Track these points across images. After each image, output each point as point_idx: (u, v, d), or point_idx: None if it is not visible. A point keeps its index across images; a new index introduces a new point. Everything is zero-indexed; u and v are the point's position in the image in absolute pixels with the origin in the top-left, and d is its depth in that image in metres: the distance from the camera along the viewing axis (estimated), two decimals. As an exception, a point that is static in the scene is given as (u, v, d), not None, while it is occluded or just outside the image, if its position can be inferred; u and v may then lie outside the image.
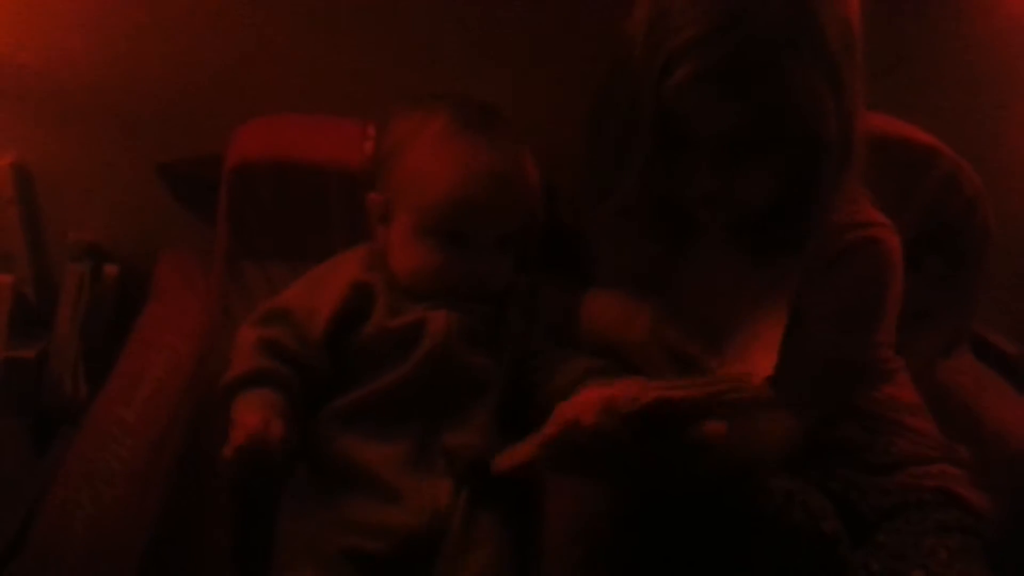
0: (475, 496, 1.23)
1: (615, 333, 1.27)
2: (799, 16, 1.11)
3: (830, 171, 1.17)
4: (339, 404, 1.26)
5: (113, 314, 1.63)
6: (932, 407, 1.39)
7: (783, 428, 1.21)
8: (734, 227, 1.25)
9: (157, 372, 1.32)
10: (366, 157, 1.45)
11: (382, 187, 1.32)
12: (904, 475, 1.30)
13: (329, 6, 1.59)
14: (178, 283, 1.53)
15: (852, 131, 1.17)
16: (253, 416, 1.15)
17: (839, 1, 1.14)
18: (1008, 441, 1.40)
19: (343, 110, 1.56)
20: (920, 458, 1.32)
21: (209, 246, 1.52)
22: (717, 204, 1.20)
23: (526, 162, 1.31)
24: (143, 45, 1.58)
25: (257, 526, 1.29)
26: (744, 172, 1.16)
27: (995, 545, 1.28)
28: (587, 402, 1.08)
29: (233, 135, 1.51)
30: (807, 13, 1.11)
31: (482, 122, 1.29)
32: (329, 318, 1.27)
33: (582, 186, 1.32)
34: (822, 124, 1.13)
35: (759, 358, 1.11)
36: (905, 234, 1.46)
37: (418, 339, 1.26)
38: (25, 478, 1.48)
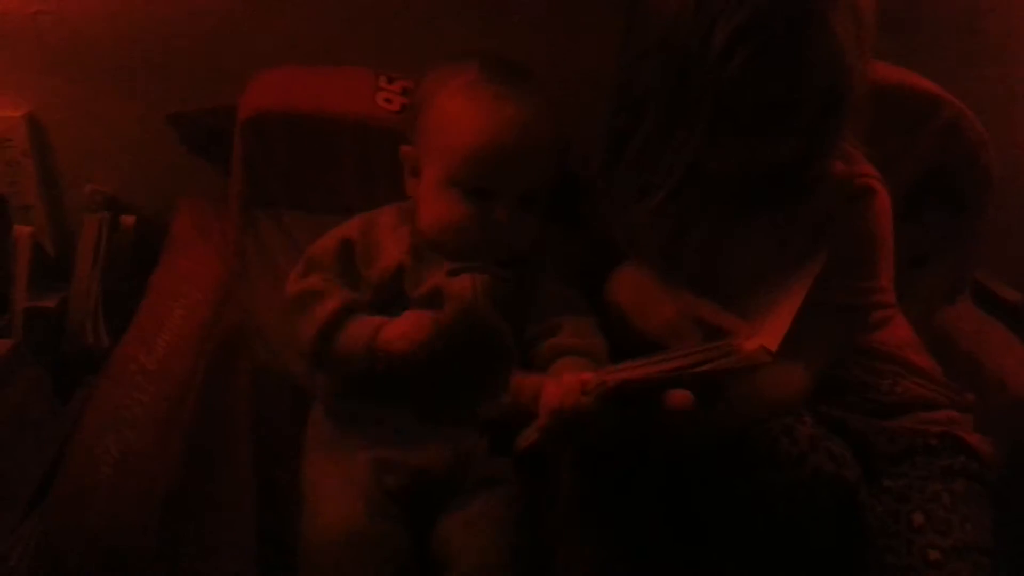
0: (494, 445, 1.25)
1: (642, 309, 1.27)
2: None
3: (843, 124, 1.17)
4: None
5: (131, 263, 1.64)
6: (933, 354, 1.41)
7: (791, 380, 1.22)
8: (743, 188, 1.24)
9: (176, 320, 1.34)
10: (380, 108, 1.46)
11: (413, 139, 1.34)
12: (911, 420, 1.32)
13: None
14: (194, 233, 1.54)
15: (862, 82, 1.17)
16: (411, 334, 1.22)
17: None
18: (1008, 388, 1.42)
19: (358, 59, 1.56)
20: (927, 402, 1.34)
21: (224, 195, 1.53)
22: (747, 168, 1.19)
23: (551, 120, 1.31)
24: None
25: (281, 468, 1.33)
26: (782, 133, 1.16)
27: (995, 490, 1.31)
28: (565, 387, 1.11)
29: (246, 85, 1.50)
30: None
31: (510, 77, 1.30)
32: None
33: (600, 171, 1.30)
34: (849, 78, 1.13)
35: (769, 328, 1.12)
36: (907, 181, 1.48)
37: (441, 303, 1.26)
38: (49, 426, 1.49)
